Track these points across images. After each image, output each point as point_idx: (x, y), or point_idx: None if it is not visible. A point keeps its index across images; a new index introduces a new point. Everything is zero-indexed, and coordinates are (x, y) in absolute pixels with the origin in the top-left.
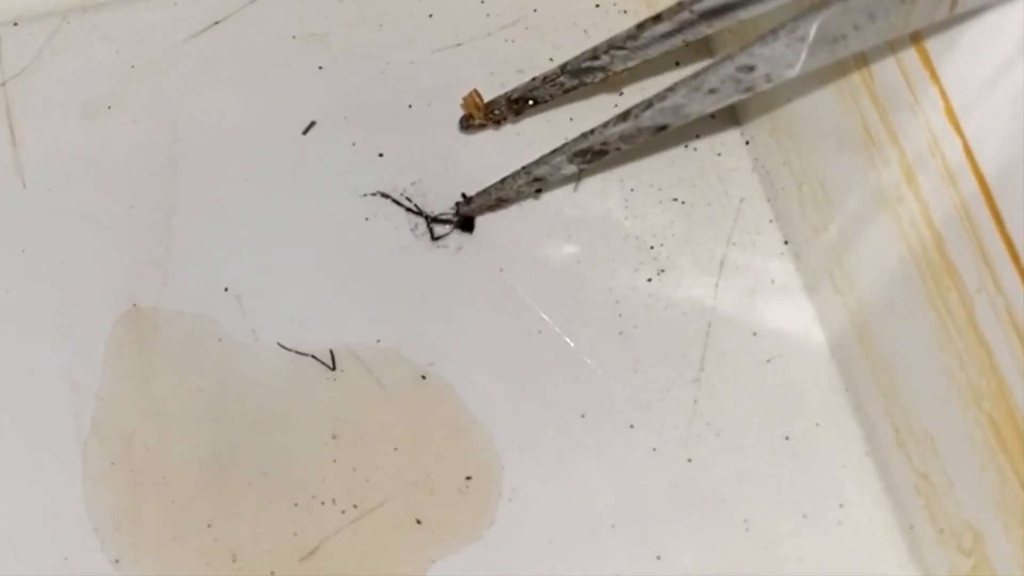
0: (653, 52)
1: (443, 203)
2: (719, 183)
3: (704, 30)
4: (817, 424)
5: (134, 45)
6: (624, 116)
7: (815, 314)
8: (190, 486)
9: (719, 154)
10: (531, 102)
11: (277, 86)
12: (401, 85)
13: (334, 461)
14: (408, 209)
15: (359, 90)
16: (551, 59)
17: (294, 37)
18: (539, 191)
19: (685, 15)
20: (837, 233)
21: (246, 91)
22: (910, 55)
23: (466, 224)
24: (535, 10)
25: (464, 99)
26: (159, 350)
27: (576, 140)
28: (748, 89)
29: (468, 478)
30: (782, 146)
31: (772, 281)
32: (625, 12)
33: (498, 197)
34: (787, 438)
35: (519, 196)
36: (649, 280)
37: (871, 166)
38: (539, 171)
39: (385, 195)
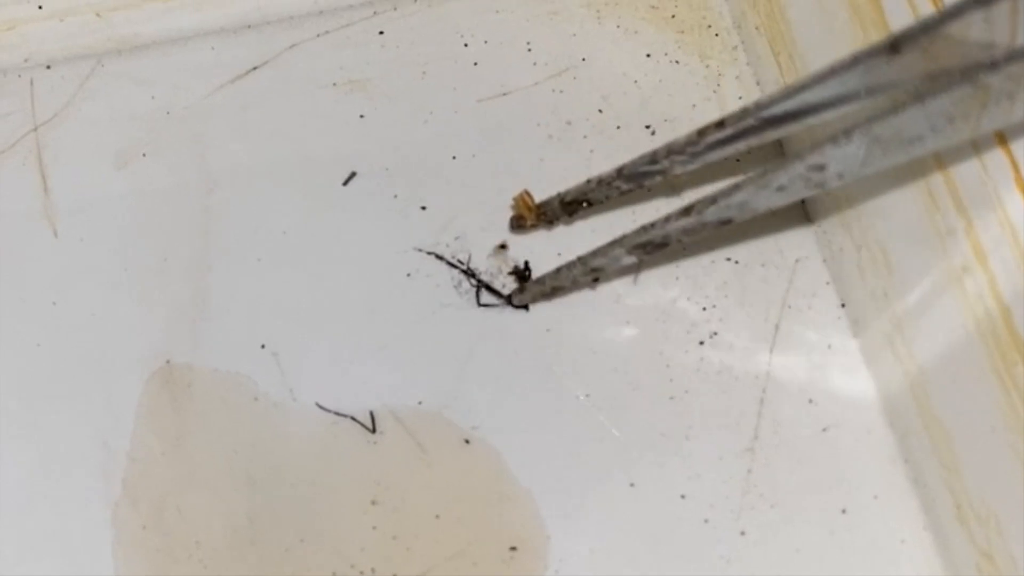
0: (714, 157)
1: (487, 259)
2: (774, 243)
3: (768, 136)
4: (875, 496)
5: (169, 90)
6: (687, 211)
7: (873, 382)
8: (224, 552)
9: (774, 214)
10: (585, 204)
11: (317, 135)
12: (445, 135)
13: (374, 528)
14: (468, 273)
15: (401, 140)
16: (600, 110)
17: (334, 84)
18: (596, 280)
19: (749, 121)
20: (898, 299)
21: (284, 139)
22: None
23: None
24: (584, 59)
25: (515, 200)
26: (193, 409)
27: (636, 232)
28: (818, 186)
29: (513, 548)
30: (840, 206)
31: (829, 346)
32: (677, 63)
33: (553, 286)
34: (844, 511)
35: (575, 286)
36: (701, 343)
37: (936, 233)
38: (596, 262)
39: (439, 256)
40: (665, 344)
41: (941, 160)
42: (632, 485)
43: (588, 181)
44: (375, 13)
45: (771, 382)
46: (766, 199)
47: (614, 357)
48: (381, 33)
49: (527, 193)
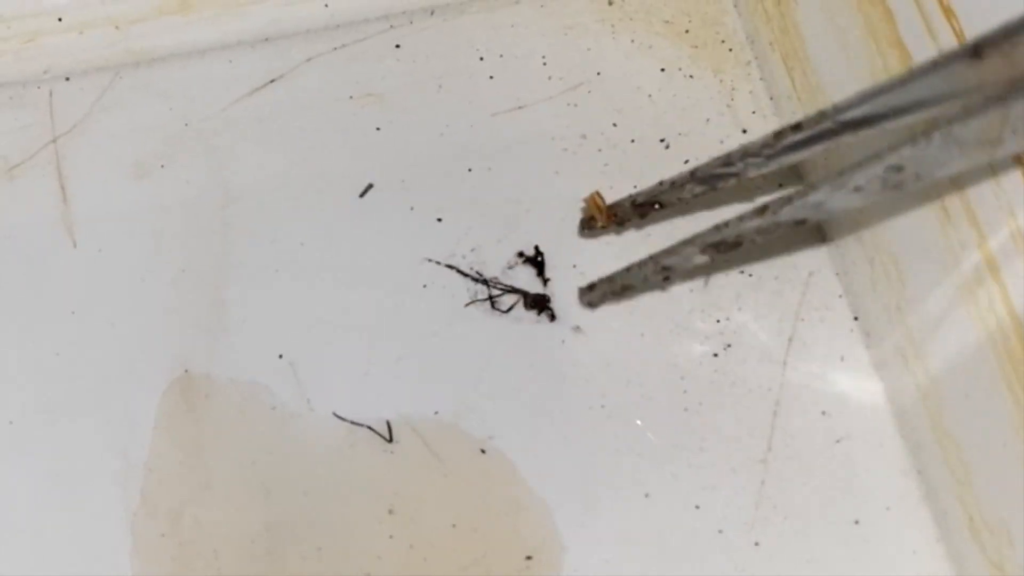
0: (790, 160)
1: (503, 271)
2: (787, 256)
3: (845, 140)
4: (887, 508)
5: (187, 102)
6: (761, 210)
7: (886, 394)
8: (241, 561)
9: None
10: (657, 206)
11: (333, 147)
12: (460, 148)
13: (390, 537)
14: (484, 283)
15: (417, 153)
16: (614, 124)
17: (351, 97)
18: (667, 279)
19: (826, 124)
20: (910, 312)
21: (302, 151)
22: None
23: (537, 303)
24: (598, 73)
25: (585, 201)
26: (211, 418)
27: (709, 231)
28: (896, 187)
29: (528, 558)
30: (853, 219)
31: (841, 359)
32: (691, 77)
33: (623, 284)
34: (857, 522)
35: (645, 285)
36: (715, 355)
37: (948, 246)
38: (668, 260)
39: (455, 268)
40: (679, 356)
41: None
42: (647, 495)
43: (660, 183)
44: (391, 27)
45: (784, 394)
46: (842, 199)
47: (628, 369)
48: (397, 47)
49: (598, 194)
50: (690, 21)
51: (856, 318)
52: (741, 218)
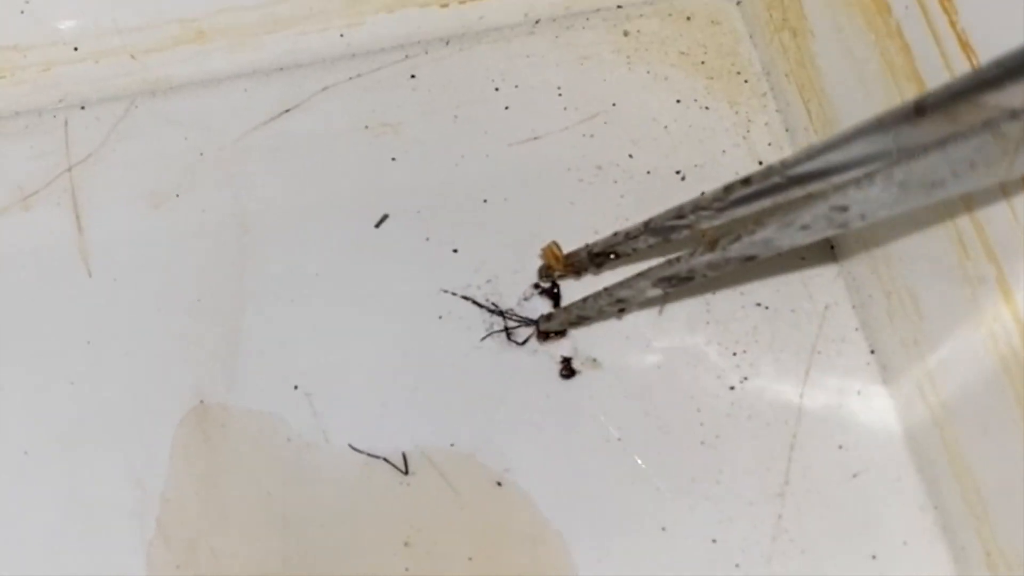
0: (740, 213)
1: (519, 302)
2: (803, 288)
3: (794, 194)
4: (904, 543)
5: (203, 132)
6: (712, 246)
7: (902, 428)
8: None
9: (803, 258)
10: (613, 256)
11: (349, 177)
12: (476, 179)
13: (406, 570)
14: (500, 314)
15: (433, 183)
16: (630, 155)
17: (366, 127)
18: (621, 311)
19: (775, 179)
20: (927, 346)
21: (317, 181)
22: None
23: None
24: (614, 104)
25: (543, 251)
26: (226, 449)
27: (662, 266)
28: (841, 226)
29: None
30: (870, 252)
31: (858, 392)
32: (707, 109)
33: (579, 315)
34: (874, 557)
35: (601, 316)
36: (732, 388)
37: (966, 280)
38: (622, 293)
39: (471, 299)
40: (696, 389)
41: (971, 207)
42: (663, 529)
43: (615, 234)
44: (407, 57)
45: (801, 428)
46: (790, 237)
47: (645, 401)
48: (413, 77)
49: (555, 244)
50: (706, 52)
51: (873, 351)
52: (692, 253)
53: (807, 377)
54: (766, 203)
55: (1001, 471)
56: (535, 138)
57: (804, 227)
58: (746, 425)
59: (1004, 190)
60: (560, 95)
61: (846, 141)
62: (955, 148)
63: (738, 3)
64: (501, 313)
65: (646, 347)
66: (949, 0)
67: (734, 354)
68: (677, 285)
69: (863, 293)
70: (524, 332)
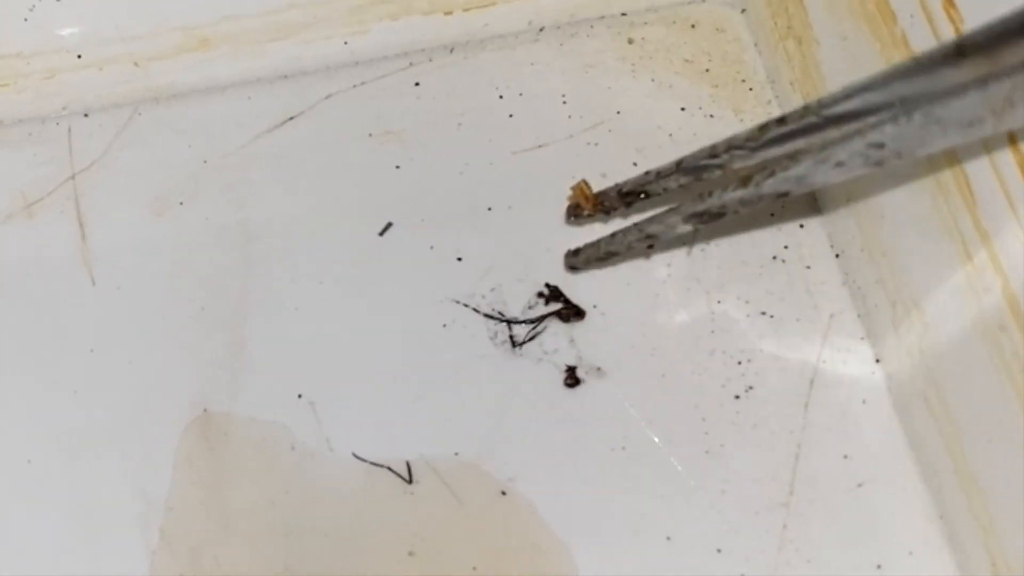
0: (774, 153)
1: (523, 310)
2: (808, 297)
3: (829, 135)
4: (910, 553)
5: (206, 139)
6: (745, 181)
7: (908, 438)
8: None
9: (808, 267)
10: (643, 195)
11: (353, 185)
12: (480, 187)
13: None
14: (504, 322)
15: (437, 191)
16: (635, 163)
17: (370, 135)
18: (651, 247)
19: (810, 119)
20: (933, 356)
21: (321, 189)
22: (1014, 177)
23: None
24: (618, 112)
25: (572, 189)
26: (230, 458)
27: (693, 201)
28: (877, 164)
29: None
30: (875, 261)
31: (863, 402)
32: (712, 116)
33: (607, 251)
34: (879, 567)
35: (629, 252)
36: (737, 397)
37: (971, 290)
38: (652, 228)
39: (476, 309)
40: (700, 398)
41: (976, 217)
42: (668, 538)
43: (647, 172)
44: (411, 64)
45: (806, 437)
46: (824, 174)
47: (650, 410)
48: (417, 84)
49: (585, 182)
50: (710, 60)
51: (878, 361)
52: (724, 188)
53: (812, 386)
54: (800, 143)
55: (1007, 481)
56: (539, 146)
57: (839, 164)
58: (751, 434)
59: (1007, 196)
60: (564, 103)
61: (884, 81)
62: (995, 86)
63: (743, 11)
64: (505, 321)
65: (650, 356)
66: (954, 8)
67: (739, 363)
68: (708, 221)
69: (868, 303)
70: (523, 332)
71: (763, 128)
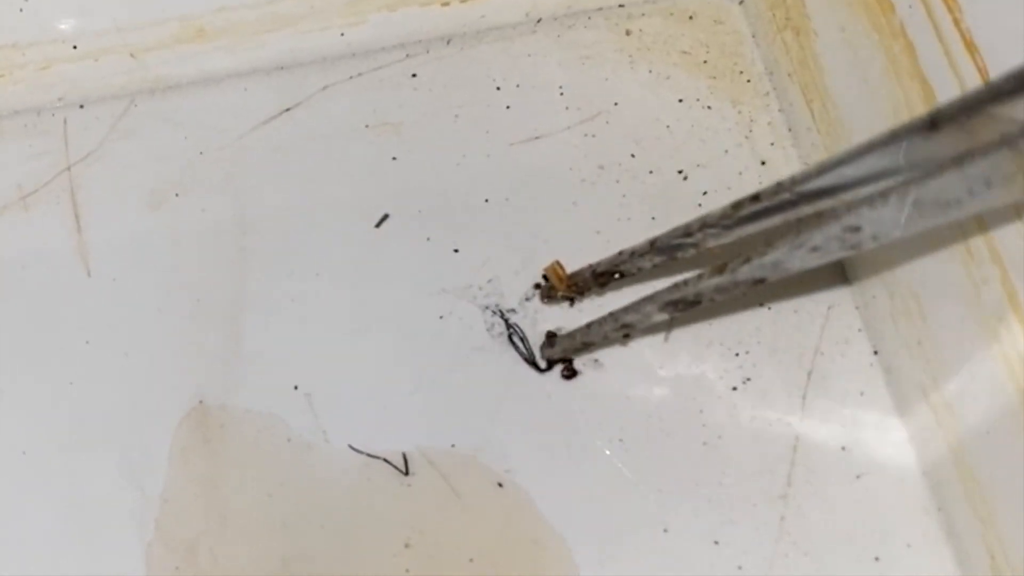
0: (749, 231)
1: (520, 302)
2: (807, 290)
3: (804, 211)
4: (908, 545)
5: (202, 131)
6: (720, 269)
7: (906, 430)
8: None
9: None
10: (617, 275)
11: (349, 177)
12: (477, 179)
13: (407, 571)
14: (501, 316)
15: (434, 183)
16: (632, 155)
17: (367, 126)
18: (627, 336)
19: (785, 196)
20: (931, 347)
21: (317, 181)
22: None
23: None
24: (616, 104)
25: (546, 270)
26: (226, 450)
27: (669, 289)
28: (853, 247)
29: None
30: (873, 253)
31: (861, 394)
32: (709, 108)
33: (583, 342)
34: (877, 559)
35: (605, 342)
36: (734, 389)
37: (970, 282)
38: (628, 318)
39: (472, 301)
40: (698, 390)
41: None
42: (665, 531)
43: (620, 253)
44: (407, 56)
45: (804, 429)
46: (800, 259)
47: (647, 402)
48: (414, 76)
49: (558, 264)
50: (708, 52)
51: (876, 353)
52: (700, 276)
53: (810, 378)
54: (776, 220)
55: (1006, 473)
56: (537, 138)
57: (815, 248)
58: (749, 426)
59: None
60: (562, 94)
61: (858, 155)
62: (971, 165)
63: (741, 2)
64: (502, 315)
65: (648, 348)
66: None
67: (736, 355)
68: (684, 309)
69: (867, 295)
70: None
71: (736, 206)
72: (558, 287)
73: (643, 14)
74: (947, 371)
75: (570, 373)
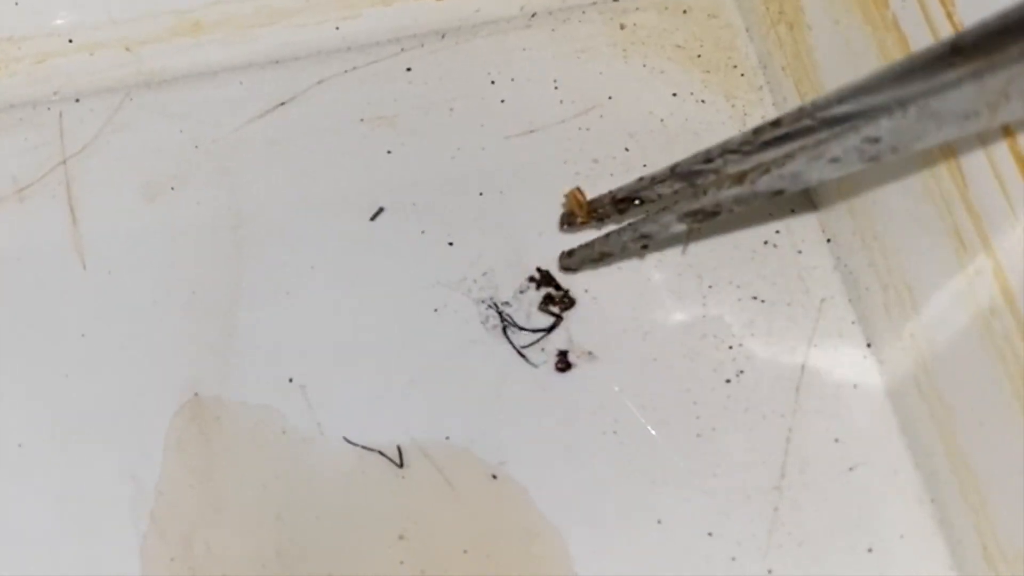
0: (768, 157)
1: (514, 295)
2: (800, 282)
3: (824, 137)
4: (901, 536)
5: (198, 124)
6: (739, 179)
7: (899, 422)
8: None
9: (800, 252)
10: (637, 201)
11: (344, 170)
12: (472, 172)
13: (401, 563)
14: (495, 309)
15: (429, 176)
16: (626, 148)
17: (362, 120)
18: (645, 247)
19: (805, 122)
20: (925, 341)
21: (312, 174)
22: (1006, 160)
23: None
24: (610, 97)
25: (566, 196)
26: (221, 442)
27: (688, 200)
28: (872, 159)
29: None
30: (867, 246)
31: (855, 386)
32: (703, 102)
33: (601, 251)
34: (870, 550)
35: (624, 252)
36: (728, 381)
37: (963, 274)
38: (647, 228)
39: (467, 294)
40: (692, 382)
41: (968, 200)
42: (659, 522)
43: (641, 179)
44: (402, 49)
45: (797, 421)
46: (819, 170)
47: (641, 394)
48: (408, 69)
49: (579, 190)
50: (702, 46)
51: (869, 345)
52: (719, 187)
53: (803, 370)
54: (795, 146)
55: (999, 464)
56: (531, 131)
57: (834, 159)
58: (742, 418)
59: (999, 179)
60: (556, 88)
61: (879, 82)
62: (991, 79)
63: None
64: (497, 308)
65: (642, 340)
66: None
67: (730, 347)
68: (703, 220)
69: (860, 287)
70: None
71: (757, 131)
72: (578, 213)
73: (637, 8)
74: (939, 362)
75: (564, 366)
